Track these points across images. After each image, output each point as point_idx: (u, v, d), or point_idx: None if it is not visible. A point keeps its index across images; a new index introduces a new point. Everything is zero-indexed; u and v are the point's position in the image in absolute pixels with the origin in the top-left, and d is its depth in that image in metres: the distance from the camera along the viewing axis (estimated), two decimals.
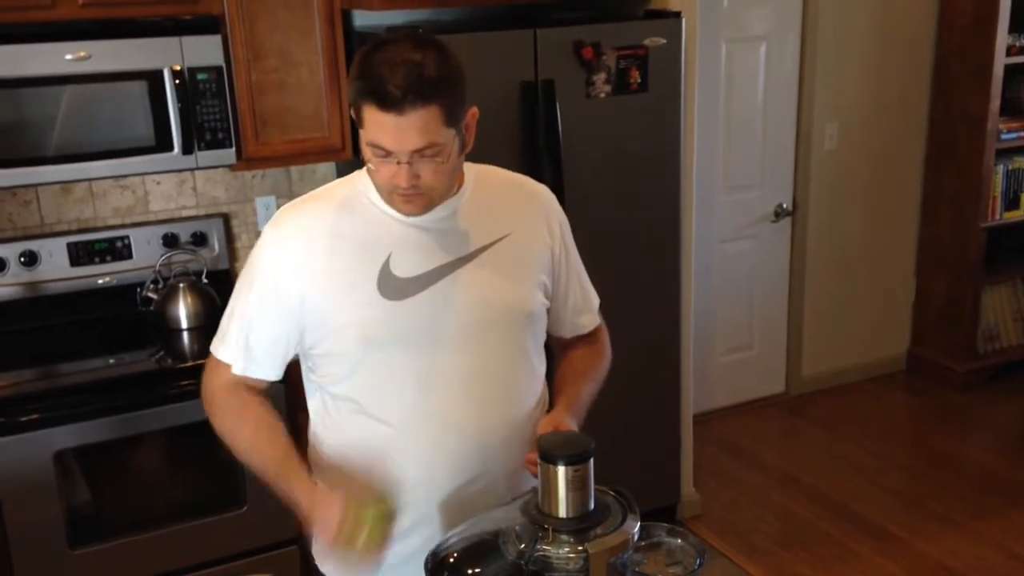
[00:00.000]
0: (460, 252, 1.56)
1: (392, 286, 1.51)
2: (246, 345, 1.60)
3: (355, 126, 1.48)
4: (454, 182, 1.54)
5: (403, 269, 1.52)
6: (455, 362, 1.55)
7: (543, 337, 1.69)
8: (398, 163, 1.42)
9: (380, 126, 1.39)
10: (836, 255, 4.62)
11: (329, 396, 1.61)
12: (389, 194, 1.49)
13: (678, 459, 3.53)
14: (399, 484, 1.54)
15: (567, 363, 1.75)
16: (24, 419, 2.53)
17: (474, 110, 1.50)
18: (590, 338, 1.79)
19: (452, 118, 1.42)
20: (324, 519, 1.46)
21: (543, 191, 1.72)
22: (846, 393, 4.72)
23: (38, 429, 2.54)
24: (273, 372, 1.63)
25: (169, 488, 2.83)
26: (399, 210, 1.51)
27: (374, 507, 1.42)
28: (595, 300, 1.81)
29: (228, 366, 1.62)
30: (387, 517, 1.43)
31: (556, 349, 1.78)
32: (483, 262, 1.57)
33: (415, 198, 1.47)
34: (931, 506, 3.70)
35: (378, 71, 1.37)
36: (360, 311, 1.51)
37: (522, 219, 1.64)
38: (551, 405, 1.67)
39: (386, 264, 1.52)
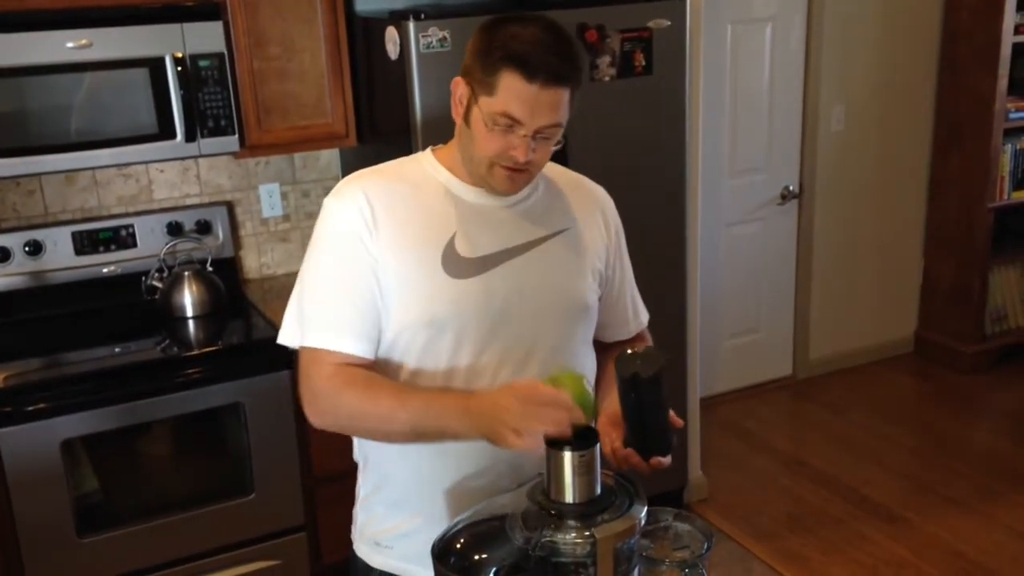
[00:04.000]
0: (522, 239, 1.55)
1: (455, 264, 1.50)
2: (345, 320, 1.49)
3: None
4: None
5: (467, 249, 1.51)
6: (509, 347, 1.53)
7: (592, 333, 1.68)
8: (523, 135, 1.43)
9: (519, 96, 1.41)
10: (843, 237, 4.60)
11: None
12: (491, 168, 1.48)
13: (685, 442, 3.53)
14: (440, 466, 1.53)
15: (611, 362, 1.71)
16: (31, 408, 2.53)
17: None
18: (633, 342, 1.77)
19: (573, 103, 1.47)
20: (528, 390, 1.35)
21: (603, 193, 1.73)
22: (853, 376, 4.72)
23: (45, 418, 2.54)
24: (371, 347, 1.51)
25: (177, 476, 2.84)
26: (496, 186, 1.51)
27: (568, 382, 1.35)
28: (644, 314, 1.80)
29: (324, 351, 1.49)
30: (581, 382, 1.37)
31: (598, 352, 1.74)
32: (543, 251, 1.57)
33: (520, 176, 1.49)
34: (939, 488, 3.69)
35: (524, 43, 1.41)
36: (425, 285, 1.49)
37: (582, 216, 1.65)
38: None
39: (451, 242, 1.51)
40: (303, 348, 1.52)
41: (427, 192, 1.55)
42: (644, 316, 1.80)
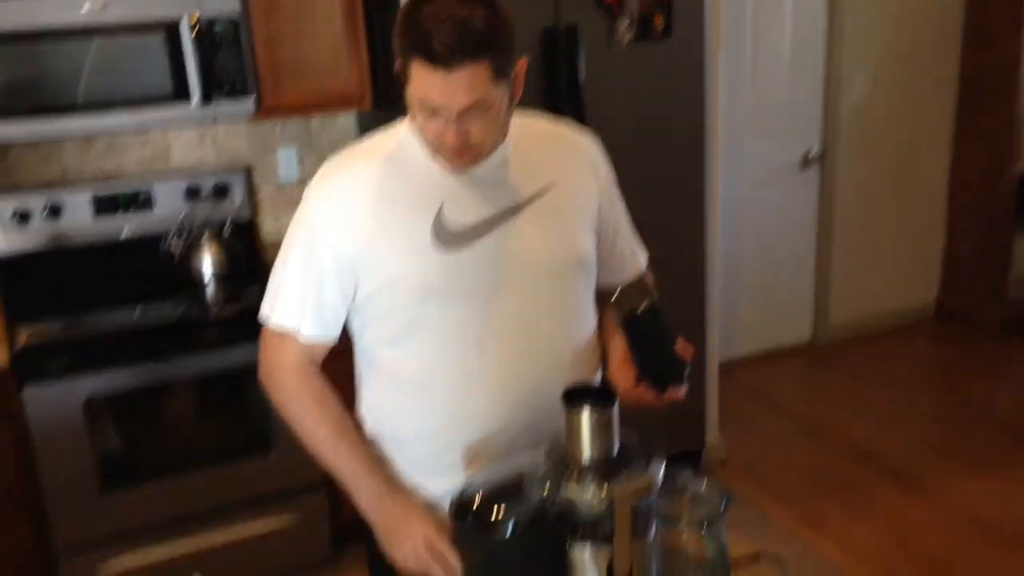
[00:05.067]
0: (510, 202, 1.53)
1: (445, 237, 1.49)
2: (308, 307, 1.54)
3: (394, 80, 1.43)
4: (503, 135, 1.50)
5: (455, 220, 1.49)
6: (509, 313, 1.52)
7: (593, 285, 1.66)
8: (446, 120, 1.39)
9: (428, 83, 1.36)
10: (865, 201, 4.55)
11: (377, 357, 1.58)
12: (436, 149, 1.46)
13: (703, 405, 3.53)
14: (457, 439, 1.54)
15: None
16: (52, 366, 2.56)
17: (523, 61, 1.45)
18: None
19: (501, 73, 1.38)
20: (434, 541, 1.45)
21: (587, 140, 1.69)
22: (874, 340, 4.69)
23: (68, 377, 2.57)
24: (335, 332, 1.58)
25: (198, 434, 2.86)
26: (447, 166, 1.49)
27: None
28: (643, 254, 1.78)
29: (289, 339, 1.56)
30: None
31: (601, 300, 1.73)
32: (533, 211, 1.54)
33: (464, 154, 1.45)
34: (959, 453, 3.68)
35: (425, 27, 1.33)
36: (416, 260, 1.48)
37: (568, 168, 1.62)
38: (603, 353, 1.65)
39: (438, 215, 1.49)
40: (272, 324, 1.59)
41: (410, 167, 1.52)
42: (643, 257, 1.78)
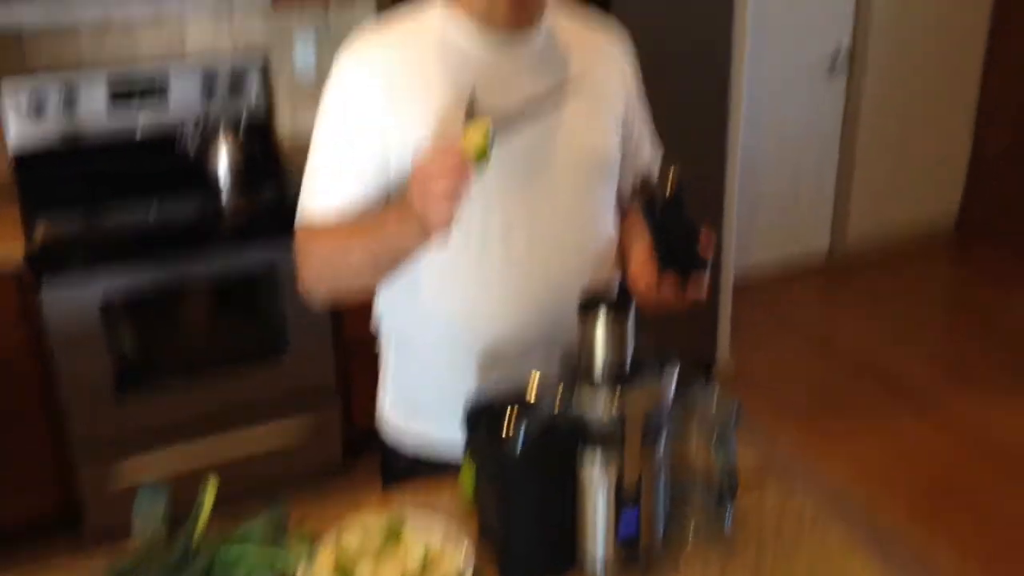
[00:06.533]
0: (540, 87, 1.47)
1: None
2: (346, 177, 1.47)
3: None
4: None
5: (490, 102, 1.42)
6: (538, 209, 1.49)
7: (615, 188, 1.62)
8: None
9: None
10: (892, 107, 4.44)
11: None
12: (492, 7, 1.42)
13: (716, 318, 3.52)
14: (473, 341, 1.52)
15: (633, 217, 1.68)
16: (70, 263, 2.56)
17: None
18: None
19: None
20: (419, 170, 1.31)
21: (616, 34, 1.64)
22: (892, 255, 4.64)
23: (84, 274, 2.57)
24: (373, 192, 1.47)
25: (213, 335, 2.88)
26: (505, 19, 1.44)
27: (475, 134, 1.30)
28: (659, 150, 1.74)
29: (324, 222, 1.48)
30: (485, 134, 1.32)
31: (620, 202, 1.69)
32: (569, 101, 1.49)
33: (527, 3, 1.42)
34: (973, 372, 3.66)
35: None
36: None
37: (598, 58, 1.58)
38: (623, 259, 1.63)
39: (472, 97, 1.42)
40: (305, 216, 1.50)
41: (440, 46, 1.47)
42: (659, 155, 1.74)
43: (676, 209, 1.38)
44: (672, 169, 1.37)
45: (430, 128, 1.44)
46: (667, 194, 1.36)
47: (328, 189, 1.48)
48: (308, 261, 1.50)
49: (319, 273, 1.50)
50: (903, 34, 4.32)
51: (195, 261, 2.70)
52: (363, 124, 1.45)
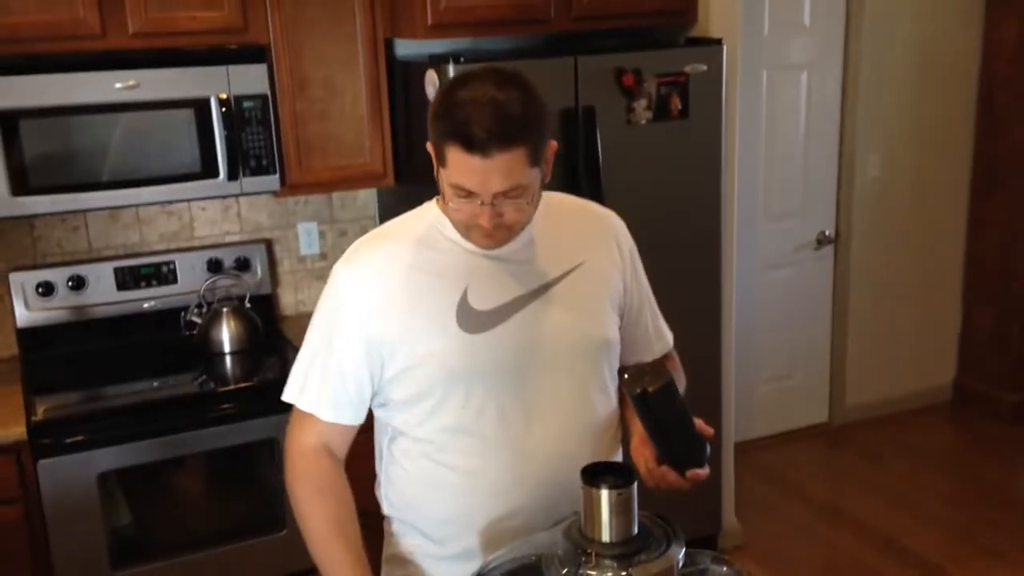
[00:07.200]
0: (536, 283, 1.54)
1: (471, 320, 1.49)
2: (331, 391, 1.55)
3: (419, 160, 1.47)
4: (533, 215, 1.51)
5: (481, 302, 1.50)
6: (533, 394, 1.52)
7: (617, 364, 1.66)
8: (481, 204, 1.40)
9: (464, 168, 1.37)
10: (880, 283, 4.56)
11: (399, 436, 1.58)
12: (468, 230, 1.48)
13: (719, 488, 3.49)
14: (476, 519, 1.53)
15: None
16: (69, 441, 2.56)
17: (553, 144, 1.48)
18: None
19: (535, 158, 1.40)
20: None
21: (611, 217, 1.70)
22: (891, 423, 4.64)
23: (83, 451, 2.57)
24: (360, 416, 1.58)
25: (211, 511, 2.85)
26: (478, 244, 1.50)
27: None
28: (668, 334, 1.77)
29: (313, 420, 1.56)
30: None
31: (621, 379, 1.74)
32: (559, 293, 1.55)
33: (497, 233, 1.46)
34: (979, 540, 3.61)
35: (463, 112, 1.35)
36: (441, 343, 1.49)
37: (593, 246, 1.62)
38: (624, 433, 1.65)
39: (463, 297, 1.49)
40: (296, 406, 1.59)
41: (436, 249, 1.53)
42: (668, 336, 1.77)
43: (665, 402, 1.38)
44: (662, 363, 1.38)
45: (424, 331, 1.49)
46: (655, 388, 1.35)
47: (326, 393, 1.55)
48: (293, 476, 1.58)
49: (288, 491, 1.60)
50: (886, 214, 4.47)
51: (194, 436, 2.69)
52: (355, 334, 1.52)
